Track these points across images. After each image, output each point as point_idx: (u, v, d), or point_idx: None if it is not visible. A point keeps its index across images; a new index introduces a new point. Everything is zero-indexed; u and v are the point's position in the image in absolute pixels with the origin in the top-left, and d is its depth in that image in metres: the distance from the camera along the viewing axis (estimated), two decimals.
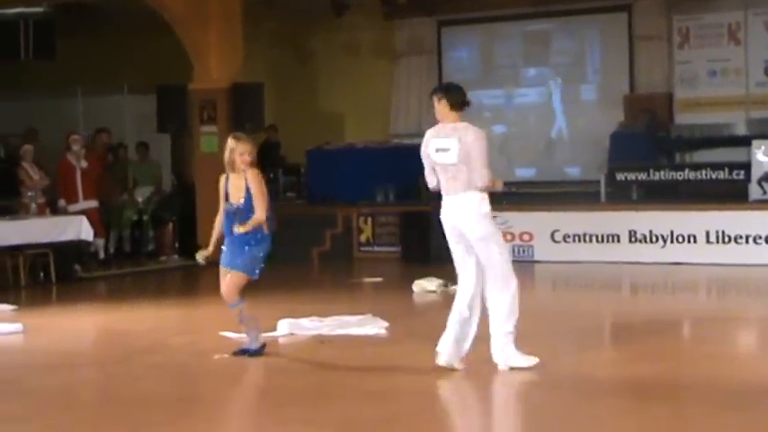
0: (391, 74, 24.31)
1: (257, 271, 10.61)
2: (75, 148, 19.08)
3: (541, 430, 7.92)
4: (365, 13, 23.38)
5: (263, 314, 10.95)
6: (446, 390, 9.49)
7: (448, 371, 9.71)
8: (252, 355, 10.60)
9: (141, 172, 21.25)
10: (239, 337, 11.46)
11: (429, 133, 9.91)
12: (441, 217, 9.94)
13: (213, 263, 10.75)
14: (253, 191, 10.47)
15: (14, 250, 16.96)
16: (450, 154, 9.71)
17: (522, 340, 11.51)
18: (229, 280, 10.56)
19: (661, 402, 8.64)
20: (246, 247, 10.49)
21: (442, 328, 10.31)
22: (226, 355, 10.75)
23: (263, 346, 10.71)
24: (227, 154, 10.54)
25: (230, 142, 10.56)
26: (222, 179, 10.65)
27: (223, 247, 10.70)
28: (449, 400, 9.30)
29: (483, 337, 10.49)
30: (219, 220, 10.72)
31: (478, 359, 10.01)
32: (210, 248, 10.70)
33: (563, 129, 23.18)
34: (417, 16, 23.70)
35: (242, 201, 10.46)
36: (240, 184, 10.48)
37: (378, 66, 24.18)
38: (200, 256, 10.67)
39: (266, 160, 23.00)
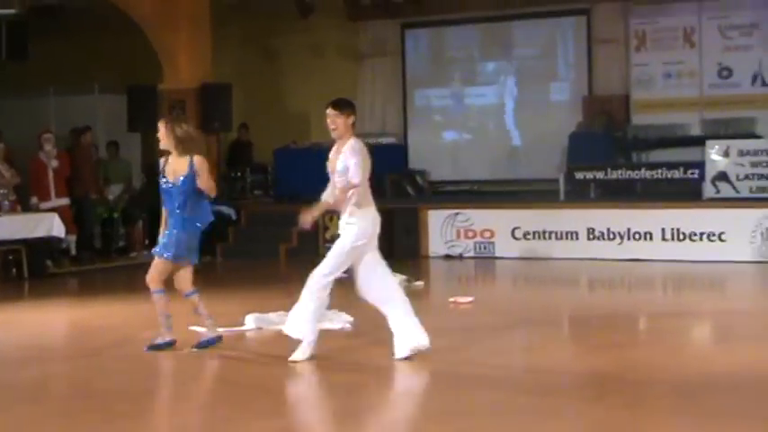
0: (356, 74, 24.31)
1: (194, 257, 10.77)
2: (48, 147, 19.00)
3: (502, 423, 7.92)
4: (330, 15, 23.38)
5: (232, 309, 10.94)
6: (409, 383, 9.49)
7: (408, 365, 9.75)
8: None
9: (112, 170, 21.17)
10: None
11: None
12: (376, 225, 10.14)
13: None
14: (202, 177, 10.57)
15: None
16: None
17: (483, 334, 11.55)
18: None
19: (618, 394, 8.67)
20: (174, 231, 10.60)
21: None
22: (194, 350, 10.73)
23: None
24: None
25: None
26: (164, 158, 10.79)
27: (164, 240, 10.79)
28: (411, 392, 9.29)
29: (446, 335, 10.48)
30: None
31: (442, 354, 10.02)
32: None
33: (524, 129, 23.20)
34: (381, 18, 23.70)
35: (180, 181, 10.53)
36: (181, 166, 10.57)
37: (342, 66, 24.16)
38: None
39: (237, 159, 23.07)
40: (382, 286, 10.29)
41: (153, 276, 10.76)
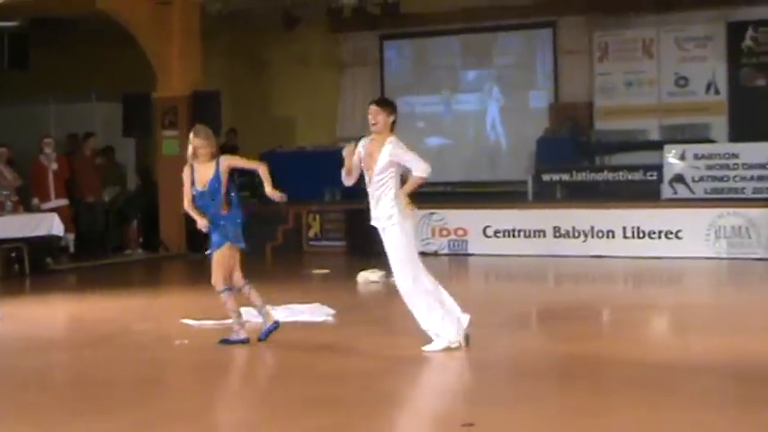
0: (338, 82, 24.32)
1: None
2: (48, 150, 19.02)
3: (475, 409, 7.92)
4: (314, 27, 23.35)
5: (220, 304, 10.87)
6: (388, 371, 9.49)
7: (389, 354, 9.77)
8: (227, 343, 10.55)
9: (108, 173, 21.09)
10: (199, 325, 11.43)
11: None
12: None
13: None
14: (243, 165, 10.79)
15: None
16: None
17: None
18: (232, 258, 10.48)
19: (582, 380, 8.70)
20: (223, 222, 10.48)
21: (384, 315, 10.37)
22: (186, 341, 10.71)
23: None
24: (189, 146, 10.51)
25: (190, 136, 10.57)
26: (187, 169, 10.54)
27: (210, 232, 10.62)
28: (391, 380, 9.30)
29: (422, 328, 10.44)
30: (189, 203, 10.58)
31: (417, 345, 10.02)
32: (204, 219, 10.45)
33: (494, 134, 23.24)
34: (361, 30, 23.68)
35: (206, 186, 10.42)
36: (207, 171, 10.44)
37: (325, 75, 24.16)
38: (202, 225, 10.46)
39: None
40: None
41: (218, 276, 10.49)
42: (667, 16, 21.43)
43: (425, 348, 9.73)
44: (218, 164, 10.44)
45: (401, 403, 8.50)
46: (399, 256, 9.78)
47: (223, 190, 10.48)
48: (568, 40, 22.48)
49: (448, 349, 9.74)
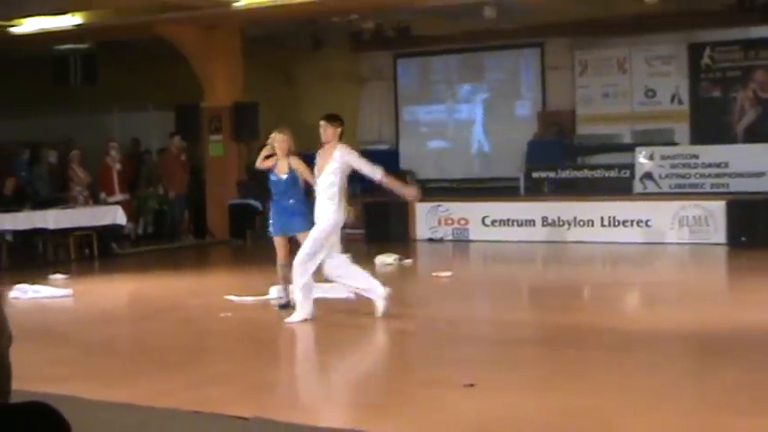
0: (358, 95, 24.29)
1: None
2: (113, 152, 19.11)
3: (474, 371, 7.91)
4: (337, 48, 23.33)
5: (258, 282, 10.90)
6: (399, 339, 9.48)
7: (400, 325, 9.74)
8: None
9: None
10: (240, 300, 11.44)
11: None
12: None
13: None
14: (299, 170, 10.85)
15: (66, 232, 16.92)
16: None
17: (459, 301, 11.55)
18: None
19: (566, 347, 8.68)
20: (290, 212, 10.73)
21: (399, 292, 10.33)
22: (229, 314, 10.71)
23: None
24: (270, 141, 10.97)
25: (273, 134, 11.00)
26: (266, 150, 11.00)
27: (270, 221, 10.84)
28: (402, 346, 9.29)
29: (429, 302, 10.46)
30: (261, 161, 11.08)
31: (425, 316, 10.00)
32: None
33: (492, 138, 23.21)
34: (378, 50, 23.67)
35: (285, 176, 10.76)
36: (284, 165, 10.83)
37: (347, 88, 24.13)
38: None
39: None
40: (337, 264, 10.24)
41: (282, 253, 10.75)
42: (638, 38, 21.34)
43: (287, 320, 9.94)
44: (289, 162, 10.75)
45: (411, 366, 8.49)
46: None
47: (299, 183, 10.87)
48: (554, 58, 22.43)
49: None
